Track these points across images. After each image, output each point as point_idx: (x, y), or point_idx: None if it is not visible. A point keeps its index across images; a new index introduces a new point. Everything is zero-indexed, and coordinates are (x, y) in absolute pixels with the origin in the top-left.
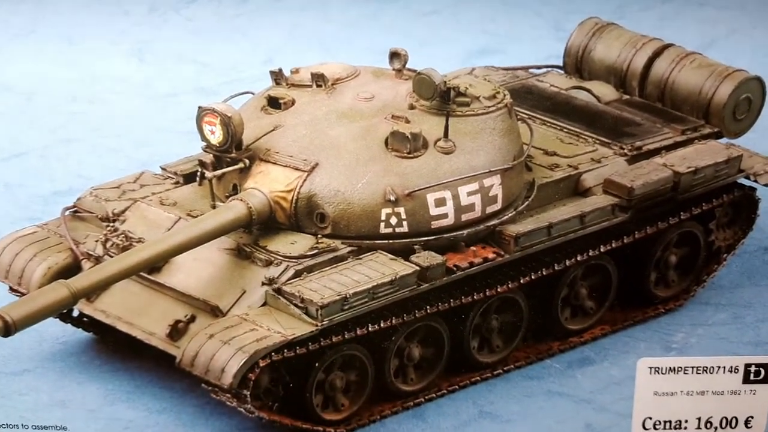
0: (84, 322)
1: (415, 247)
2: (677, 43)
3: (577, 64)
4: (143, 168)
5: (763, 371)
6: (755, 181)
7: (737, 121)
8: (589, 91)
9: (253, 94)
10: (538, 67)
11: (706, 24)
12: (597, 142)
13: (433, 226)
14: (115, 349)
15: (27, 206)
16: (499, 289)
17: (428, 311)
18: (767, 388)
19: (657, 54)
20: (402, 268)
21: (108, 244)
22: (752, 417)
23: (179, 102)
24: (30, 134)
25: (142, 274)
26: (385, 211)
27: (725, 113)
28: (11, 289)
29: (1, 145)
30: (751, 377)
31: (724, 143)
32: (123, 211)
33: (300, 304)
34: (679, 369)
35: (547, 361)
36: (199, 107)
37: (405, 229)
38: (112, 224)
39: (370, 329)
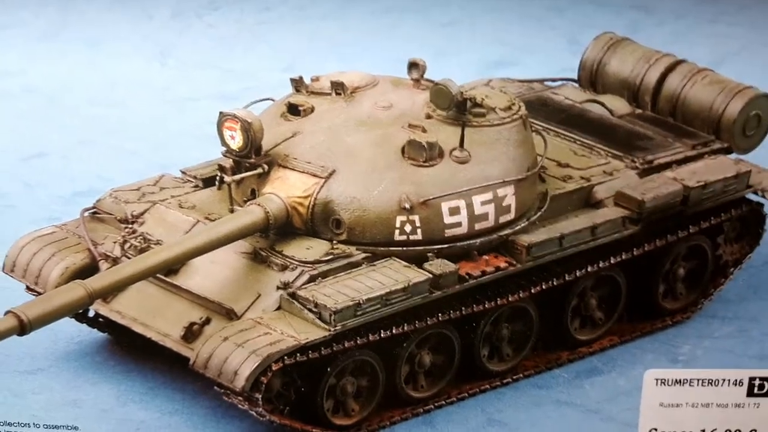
0: (99, 322)
1: (429, 254)
2: (689, 59)
3: (592, 78)
4: (163, 171)
5: (767, 385)
6: (763, 196)
7: (747, 137)
8: (602, 104)
9: (273, 100)
10: (554, 80)
11: (718, 40)
12: (609, 155)
13: (446, 235)
14: (129, 350)
15: (47, 206)
16: (510, 299)
17: (440, 319)
18: None
19: (669, 69)
20: (415, 275)
21: (126, 246)
22: (755, 430)
23: (200, 107)
24: (52, 135)
25: (158, 276)
26: (399, 219)
27: (735, 129)
28: (28, 288)
29: (23, 145)
30: (755, 390)
31: (734, 159)
32: (142, 213)
33: (314, 309)
34: (685, 381)
35: (556, 371)
36: (220, 113)
37: (419, 236)
38: (130, 226)
39: (382, 335)
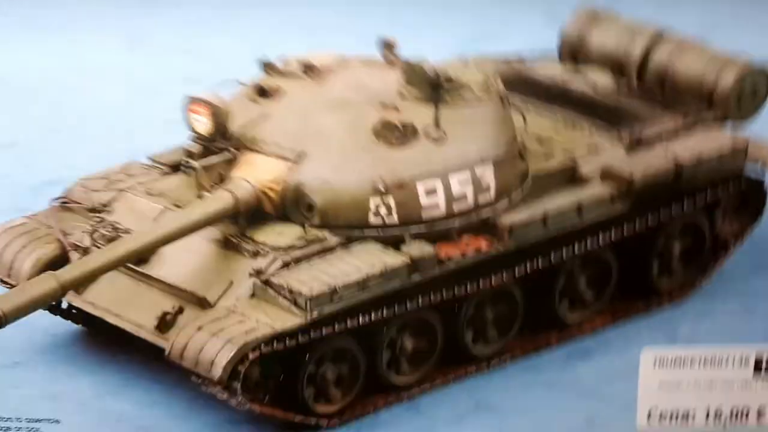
0: (73, 314)
1: (406, 237)
2: (677, 29)
3: (573, 53)
4: (132, 158)
5: None
6: (762, 168)
7: (744, 106)
8: (585, 78)
9: (242, 83)
10: (533, 56)
11: (705, 10)
12: (594, 130)
13: (424, 217)
14: (105, 341)
15: (16, 197)
16: (493, 281)
17: (420, 303)
18: None
19: (655, 42)
20: (392, 258)
21: (95, 235)
22: (766, 407)
23: (168, 92)
24: (18, 124)
25: (129, 265)
26: (374, 201)
27: (732, 96)
28: (1, 280)
29: None
30: (763, 368)
31: (730, 133)
32: (110, 202)
33: (288, 296)
34: (686, 359)
35: (546, 354)
36: (187, 96)
37: (395, 219)
38: (99, 215)
39: (360, 321)
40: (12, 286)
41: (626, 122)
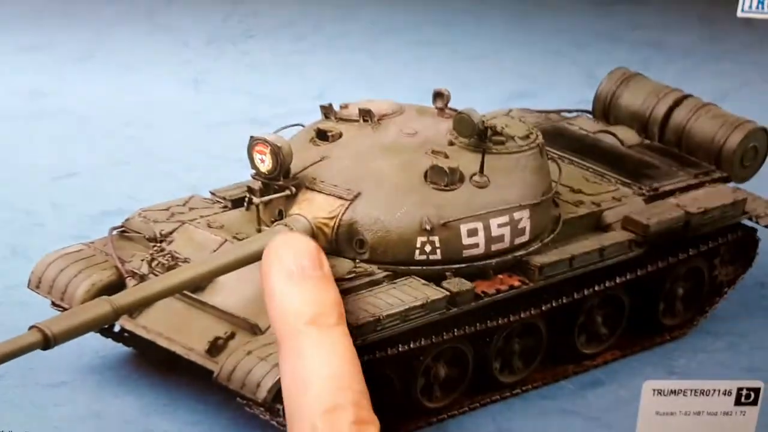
0: (124, 337)
1: (447, 273)
2: (695, 93)
3: (605, 110)
4: (193, 192)
5: (752, 394)
6: (757, 222)
7: (744, 167)
8: (614, 135)
9: (302, 126)
10: (569, 111)
11: (722, 77)
12: (619, 182)
13: (464, 255)
14: (153, 363)
15: (74, 225)
16: (522, 315)
17: (456, 334)
18: (755, 410)
19: (677, 103)
20: (433, 292)
21: (153, 264)
22: None
23: (231, 131)
24: (83, 156)
25: (185, 292)
26: (420, 239)
27: (734, 159)
28: (53, 304)
29: (53, 165)
30: (743, 399)
31: (731, 187)
32: (171, 233)
33: None
34: (680, 391)
35: (562, 382)
36: (251, 137)
37: (438, 256)
38: (159, 244)
39: (400, 349)
40: (64, 310)
41: (647, 176)
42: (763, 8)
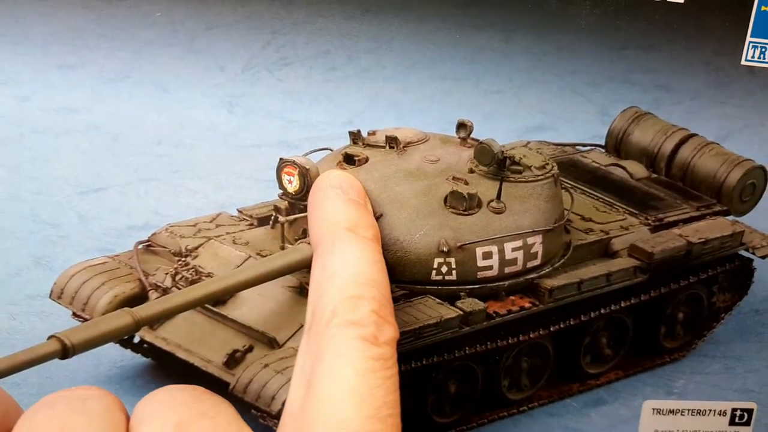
0: (143, 348)
1: (461, 294)
2: (700, 133)
3: (616, 145)
4: (220, 210)
5: (746, 415)
6: (753, 253)
7: (743, 202)
8: (624, 168)
9: (331, 150)
10: (583, 145)
11: (725, 119)
12: (626, 212)
13: (479, 276)
14: (170, 374)
15: (100, 238)
16: (531, 335)
17: (467, 352)
18: (748, 430)
19: (683, 141)
20: (447, 312)
21: (177, 277)
22: None
23: (262, 153)
24: (112, 171)
25: (206, 305)
26: (437, 260)
27: (734, 195)
28: (74, 314)
29: (82, 179)
30: (736, 420)
31: (730, 220)
32: (196, 248)
33: None
34: (677, 411)
35: (567, 400)
36: (281, 158)
37: (453, 277)
38: (183, 259)
39: (413, 366)
40: (85, 321)
41: (653, 208)
42: (764, 58)
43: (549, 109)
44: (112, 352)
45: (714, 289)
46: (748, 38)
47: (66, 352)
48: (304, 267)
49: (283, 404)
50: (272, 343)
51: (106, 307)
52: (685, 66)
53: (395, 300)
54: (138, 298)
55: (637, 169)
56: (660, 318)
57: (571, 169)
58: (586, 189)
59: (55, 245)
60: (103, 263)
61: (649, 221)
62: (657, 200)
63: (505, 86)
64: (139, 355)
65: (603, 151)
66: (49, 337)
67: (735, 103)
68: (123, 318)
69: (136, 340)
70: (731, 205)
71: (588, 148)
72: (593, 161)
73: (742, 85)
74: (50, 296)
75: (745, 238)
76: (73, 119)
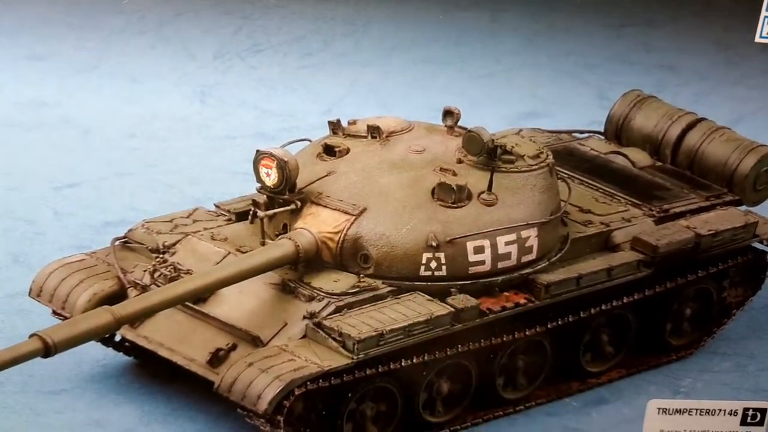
0: (125, 346)
1: (452, 290)
2: (709, 117)
3: (617, 131)
4: (197, 205)
5: (759, 415)
6: (767, 245)
7: (757, 191)
8: (625, 156)
9: (310, 141)
10: (581, 132)
11: (737, 101)
12: (629, 203)
13: (470, 272)
14: (154, 373)
15: (76, 235)
16: (527, 333)
17: (459, 350)
18: (761, 430)
19: (690, 126)
20: (437, 308)
21: (156, 274)
22: None
23: (237, 145)
24: (85, 166)
25: (187, 303)
26: (426, 256)
27: (747, 183)
28: (54, 312)
29: (56, 174)
30: (749, 420)
31: (743, 210)
32: (174, 244)
33: (338, 338)
34: (685, 410)
35: (566, 400)
36: (257, 151)
37: (443, 273)
38: (161, 256)
39: (403, 364)
40: (65, 319)
41: (657, 198)
42: None
43: (542, 93)
44: (94, 350)
45: (725, 284)
46: (763, 12)
47: (48, 350)
48: (286, 263)
49: (270, 403)
50: (256, 342)
51: (85, 305)
52: (692, 44)
53: (383, 297)
54: (117, 296)
55: (640, 157)
56: (666, 314)
57: (567, 157)
58: (584, 179)
59: (32, 242)
60: (80, 260)
61: (654, 212)
62: (662, 190)
63: (494, 69)
64: (121, 353)
65: (602, 138)
66: (31, 336)
67: (748, 83)
68: (103, 316)
69: (118, 338)
70: (744, 194)
71: (586, 135)
72: (592, 149)
73: (756, 64)
74: (29, 294)
75: (759, 229)
76: (43, 113)
